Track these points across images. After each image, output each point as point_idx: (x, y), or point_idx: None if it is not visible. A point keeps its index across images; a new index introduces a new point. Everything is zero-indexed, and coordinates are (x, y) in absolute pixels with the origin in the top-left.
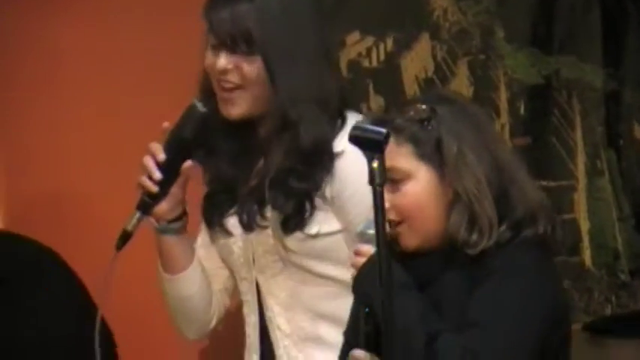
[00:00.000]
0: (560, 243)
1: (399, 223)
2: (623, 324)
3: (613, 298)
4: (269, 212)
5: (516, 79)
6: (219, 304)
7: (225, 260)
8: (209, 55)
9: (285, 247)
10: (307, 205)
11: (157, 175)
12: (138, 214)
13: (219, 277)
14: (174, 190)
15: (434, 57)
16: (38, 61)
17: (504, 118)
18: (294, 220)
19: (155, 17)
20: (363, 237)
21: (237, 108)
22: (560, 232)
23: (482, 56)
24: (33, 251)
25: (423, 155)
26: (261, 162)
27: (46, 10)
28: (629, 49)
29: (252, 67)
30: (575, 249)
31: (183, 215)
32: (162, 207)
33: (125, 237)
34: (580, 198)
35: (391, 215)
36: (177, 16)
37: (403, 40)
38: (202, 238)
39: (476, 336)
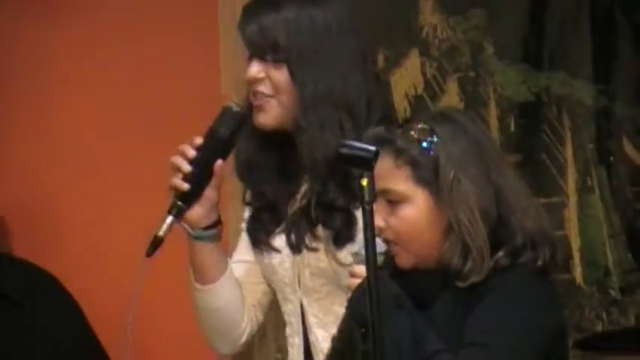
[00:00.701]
0: (559, 265)
1: (394, 243)
2: (614, 340)
3: (604, 315)
4: (320, 232)
5: (506, 96)
6: (251, 320)
7: (269, 279)
8: (247, 68)
9: (338, 263)
10: (353, 218)
11: (186, 167)
12: (169, 219)
13: (254, 293)
14: (208, 193)
15: (423, 74)
16: (28, 66)
17: (494, 135)
18: (345, 234)
19: (149, 21)
20: (358, 258)
21: (267, 116)
22: (560, 254)
23: (472, 73)
24: (31, 271)
25: (420, 179)
26: (307, 180)
27: (39, 13)
28: (619, 65)
29: (281, 75)
30: (566, 266)
31: (218, 223)
32: (197, 211)
33: (156, 243)
34: (570, 215)
35: (387, 235)
36: (172, 20)
37: (393, 56)
38: (240, 251)
39: (475, 354)
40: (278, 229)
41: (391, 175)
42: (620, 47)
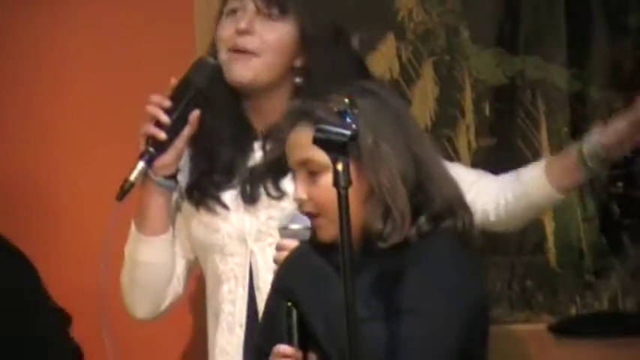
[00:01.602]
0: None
1: (316, 215)
2: (588, 324)
3: (578, 299)
4: (287, 184)
5: (481, 80)
6: (175, 288)
7: (202, 242)
8: (227, 24)
9: None
10: None
11: (165, 118)
12: (141, 165)
13: (179, 266)
14: (178, 142)
15: (399, 57)
16: (18, 63)
17: (469, 119)
18: None
19: (137, 24)
20: (285, 232)
21: (249, 71)
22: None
23: (447, 57)
24: None
25: None
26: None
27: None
28: (593, 49)
29: (275, 34)
30: (540, 249)
31: (176, 175)
32: (164, 159)
33: (127, 187)
34: None
35: (309, 208)
36: (149, 19)
37: (368, 40)
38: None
39: (404, 322)
40: (228, 186)
41: (310, 145)
42: (594, 32)
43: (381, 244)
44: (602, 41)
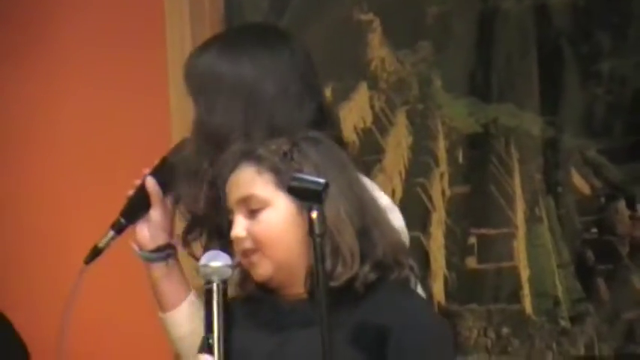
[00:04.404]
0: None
1: (254, 251)
2: None
3: (554, 345)
4: None
5: (455, 128)
6: None
7: None
8: None
9: None
10: None
11: (137, 182)
12: (111, 233)
13: None
14: (156, 217)
15: (372, 107)
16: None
17: (443, 167)
18: None
19: (104, 71)
20: (205, 269)
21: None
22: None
23: (420, 105)
24: None
25: (282, 184)
26: None
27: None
28: (566, 96)
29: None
30: (516, 296)
31: (167, 247)
32: (144, 233)
33: (95, 252)
34: (519, 245)
35: (247, 244)
36: (124, 71)
37: (341, 90)
38: None
39: None
40: None
41: (253, 181)
42: (566, 79)
43: (334, 283)
44: (574, 88)
